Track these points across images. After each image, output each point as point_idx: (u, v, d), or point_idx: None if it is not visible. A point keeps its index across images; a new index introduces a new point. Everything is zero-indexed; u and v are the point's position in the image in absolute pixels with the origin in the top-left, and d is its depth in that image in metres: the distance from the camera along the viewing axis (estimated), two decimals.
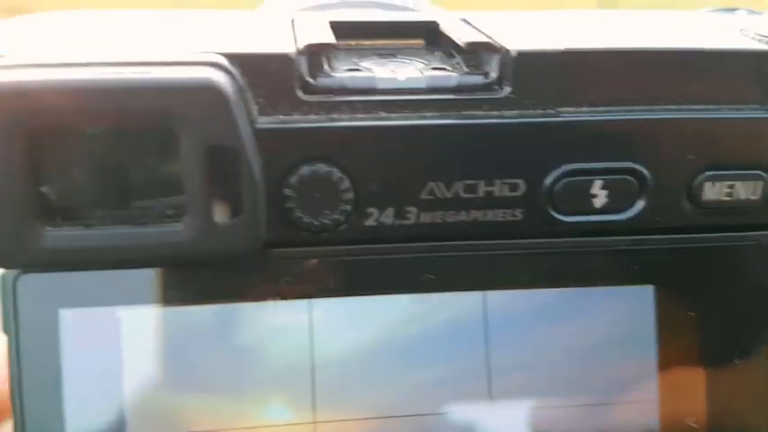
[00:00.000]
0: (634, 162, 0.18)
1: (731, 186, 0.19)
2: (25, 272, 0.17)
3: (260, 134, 0.17)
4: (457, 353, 0.19)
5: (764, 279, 0.20)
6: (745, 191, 0.19)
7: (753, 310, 0.20)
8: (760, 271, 0.20)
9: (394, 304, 0.19)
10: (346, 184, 0.17)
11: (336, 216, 0.18)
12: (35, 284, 0.17)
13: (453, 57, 0.19)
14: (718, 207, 0.19)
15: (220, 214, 0.16)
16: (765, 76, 0.19)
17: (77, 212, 0.16)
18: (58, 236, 0.16)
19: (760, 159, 0.19)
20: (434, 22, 0.19)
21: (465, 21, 0.19)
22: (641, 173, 0.19)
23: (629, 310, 0.19)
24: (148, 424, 0.17)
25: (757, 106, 0.19)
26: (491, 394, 0.19)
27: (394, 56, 0.19)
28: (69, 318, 0.17)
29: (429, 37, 0.19)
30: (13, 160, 0.15)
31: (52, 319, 0.17)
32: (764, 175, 0.19)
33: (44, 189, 0.16)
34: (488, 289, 0.19)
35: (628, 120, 0.18)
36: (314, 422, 0.18)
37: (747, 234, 0.19)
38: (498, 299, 0.19)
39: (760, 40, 0.19)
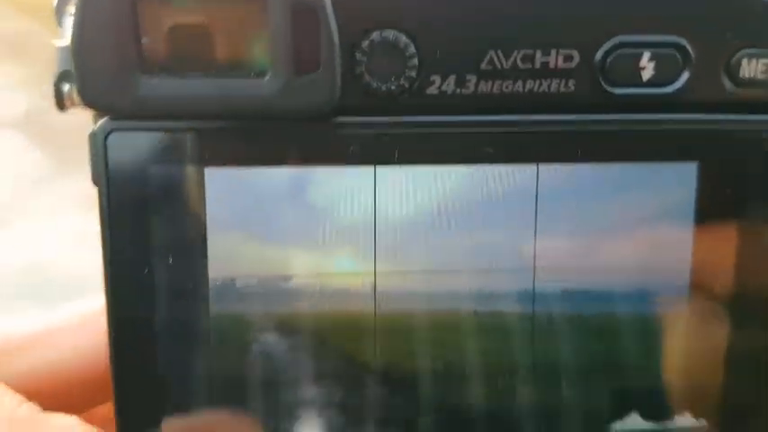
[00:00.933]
0: (679, 36, 0.19)
1: (766, 65, 0.20)
2: (117, 129, 0.19)
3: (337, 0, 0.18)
4: (508, 221, 0.20)
5: None
6: None
7: None
8: None
9: (451, 174, 0.20)
10: (412, 50, 0.19)
11: (402, 82, 0.19)
12: (125, 140, 0.19)
13: None
14: (753, 84, 0.20)
15: (301, 71, 0.18)
16: None
17: (173, 65, 0.18)
18: (154, 84, 0.18)
19: None
20: None
21: None
22: (685, 48, 0.19)
23: (673, 187, 0.21)
24: (230, 269, 0.20)
25: None
26: (536, 257, 0.20)
27: None
28: (157, 172, 0.19)
29: None
30: (117, 10, 0.17)
31: (141, 173, 0.19)
32: None
33: (144, 41, 0.17)
34: (541, 162, 0.20)
35: None
36: (374, 272, 0.20)
37: None
38: (550, 172, 0.20)
39: None
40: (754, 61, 0.20)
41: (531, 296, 0.21)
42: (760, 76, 0.20)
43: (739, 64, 0.20)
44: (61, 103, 0.20)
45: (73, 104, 0.20)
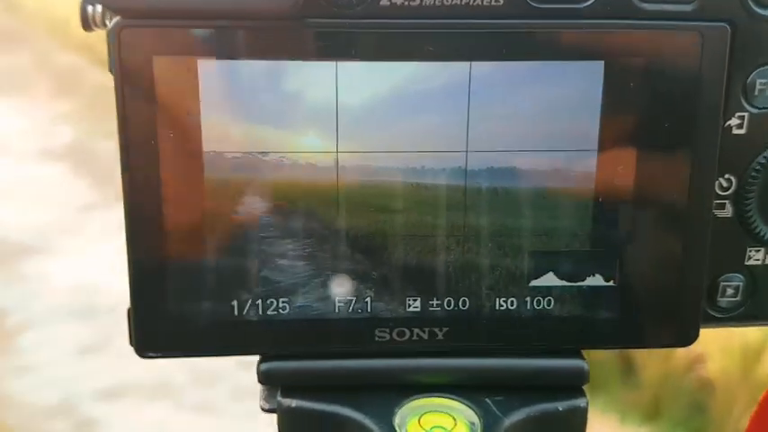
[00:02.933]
0: None
1: None
2: (128, 26, 0.23)
3: None
4: (444, 109, 0.25)
5: (698, 66, 0.25)
6: None
7: (682, 94, 0.25)
8: (691, 59, 0.25)
9: (401, 69, 0.25)
10: None
11: None
12: (135, 35, 0.24)
13: None
14: (660, 0, 0.24)
15: None
16: None
17: None
18: None
19: None
20: None
21: None
22: None
23: (582, 83, 0.25)
24: (219, 144, 0.25)
25: None
26: (468, 140, 0.25)
27: None
28: (161, 63, 0.24)
29: None
30: None
31: (146, 63, 0.24)
32: None
33: None
34: (474, 60, 0.25)
35: None
36: (336, 152, 0.25)
37: (686, 24, 0.25)
38: (481, 69, 0.25)
39: None
40: None
41: (464, 173, 0.25)
42: None
43: None
44: (86, 22, 0.25)
45: (96, 25, 0.25)
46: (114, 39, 0.24)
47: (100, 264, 2.66)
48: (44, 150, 3.53)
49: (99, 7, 0.24)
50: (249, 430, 2.04)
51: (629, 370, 2.19)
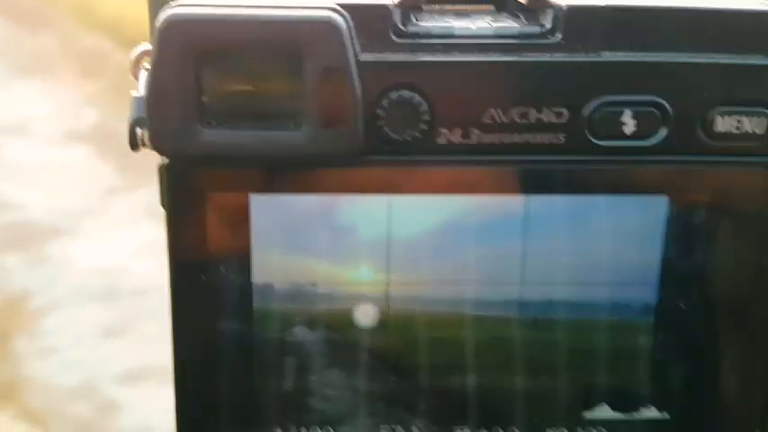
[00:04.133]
0: (658, 96, 0.23)
1: (739, 120, 0.23)
2: (180, 167, 0.23)
3: (361, 65, 0.22)
4: (499, 242, 0.24)
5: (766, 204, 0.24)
6: (751, 125, 0.23)
7: (754, 232, 0.24)
8: (760, 196, 0.24)
9: (455, 203, 0.24)
10: (425, 107, 0.23)
11: (416, 134, 0.23)
12: (186, 176, 0.23)
13: (518, 16, 0.23)
14: (727, 137, 0.23)
15: (329, 124, 0.22)
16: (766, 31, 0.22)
17: (227, 118, 0.22)
18: (212, 134, 0.22)
19: (763, 98, 0.23)
20: None
21: None
22: (664, 106, 0.23)
23: (645, 217, 0.24)
24: (269, 275, 0.24)
25: (762, 56, 0.22)
26: (524, 274, 0.24)
27: (468, 16, 0.23)
28: (212, 199, 0.23)
29: (497, 3, 0.24)
30: (185, 75, 0.21)
31: (199, 200, 0.23)
32: (767, 111, 0.23)
33: (204, 99, 0.22)
34: (531, 194, 0.24)
35: (654, 62, 0.22)
36: (387, 283, 0.24)
37: (754, 160, 0.24)
38: (538, 201, 0.24)
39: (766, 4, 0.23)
40: (728, 117, 0.23)
41: (518, 305, 0.25)
42: (734, 131, 0.23)
43: (714, 119, 0.23)
44: (134, 144, 0.24)
45: (144, 146, 0.24)
46: (165, 178, 0.23)
47: (123, 247, 2.68)
48: (69, 132, 3.55)
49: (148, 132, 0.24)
50: None
51: None
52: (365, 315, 0.25)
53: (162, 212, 0.24)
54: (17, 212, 2.90)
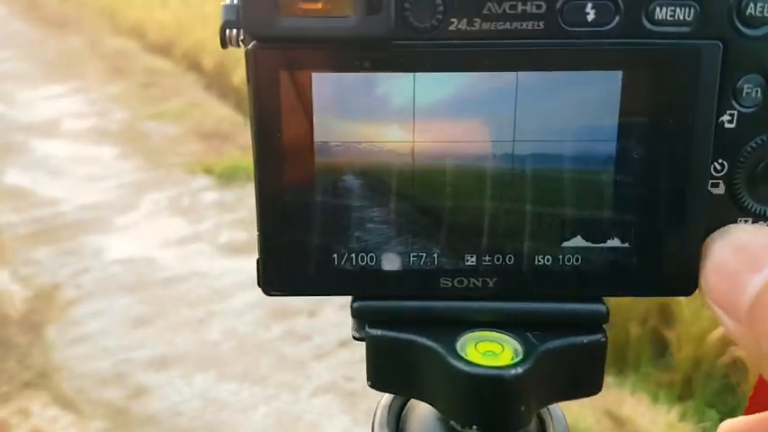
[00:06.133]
0: None
1: (673, 10, 0.31)
2: (261, 47, 0.31)
3: None
4: (497, 109, 0.32)
5: (696, 75, 0.32)
6: (683, 13, 0.31)
7: (685, 93, 0.32)
8: (691, 70, 0.32)
9: (463, 78, 0.32)
10: (439, 1, 0.31)
11: (433, 22, 0.31)
12: (266, 55, 0.32)
13: None
14: (665, 23, 0.31)
15: (371, 12, 0.30)
16: None
17: (298, 11, 0.30)
18: (286, 21, 0.30)
19: None
20: None
21: None
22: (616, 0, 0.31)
23: (605, 87, 0.32)
24: (326, 135, 0.32)
25: None
26: (515, 133, 0.33)
27: None
28: (285, 76, 0.32)
29: None
30: None
31: (275, 76, 0.32)
32: (695, 4, 0.31)
33: None
34: (519, 70, 0.32)
35: None
36: (413, 141, 0.33)
37: (685, 41, 0.32)
38: (525, 77, 0.32)
39: None
40: (665, 8, 0.31)
41: (512, 158, 0.33)
42: (669, 18, 0.31)
43: (654, 9, 0.31)
44: (224, 43, 0.33)
45: (231, 44, 0.33)
46: (251, 56, 0.32)
47: (150, 240, 2.78)
48: (95, 130, 3.66)
49: (235, 31, 0.32)
50: (292, 397, 2.14)
51: (661, 352, 2.24)
52: (396, 166, 0.33)
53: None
54: (47, 207, 3.00)
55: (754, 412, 0.37)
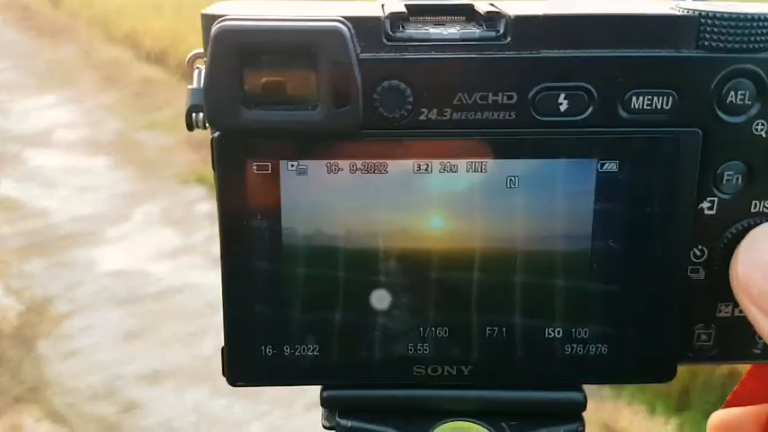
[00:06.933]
0: (585, 83, 0.30)
1: (650, 99, 0.30)
2: (226, 137, 0.31)
3: (361, 61, 0.29)
4: (464, 195, 0.32)
5: (675, 163, 0.31)
6: (660, 102, 0.30)
7: (662, 184, 0.31)
8: (670, 157, 0.31)
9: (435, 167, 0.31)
10: (409, 93, 0.30)
11: (403, 113, 0.30)
12: (232, 144, 0.31)
13: (480, 24, 0.31)
14: (641, 112, 0.30)
15: (338, 106, 0.29)
16: (670, 29, 0.30)
17: (263, 102, 0.29)
18: (251, 113, 0.29)
19: (668, 81, 0.30)
20: (470, 4, 0.31)
21: (491, 4, 0.31)
22: (590, 89, 0.30)
23: (579, 176, 0.31)
24: (295, 224, 0.31)
25: (667, 49, 0.30)
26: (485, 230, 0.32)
27: (443, 24, 0.31)
28: (251, 164, 0.31)
29: (467, 14, 0.31)
30: (231, 69, 0.29)
31: (240, 163, 0.31)
32: (673, 92, 0.30)
33: (246, 88, 0.29)
34: (491, 158, 0.31)
35: (582, 56, 0.30)
36: (378, 235, 0.32)
37: (662, 130, 0.31)
38: (499, 164, 0.31)
39: (672, 9, 0.30)
40: (642, 97, 0.30)
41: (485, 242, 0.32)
42: (646, 107, 0.30)
43: (630, 99, 0.30)
44: (190, 126, 0.32)
45: (198, 126, 0.32)
46: (216, 146, 0.31)
47: (143, 252, 2.77)
48: (88, 141, 3.65)
49: (201, 114, 0.31)
50: (285, 412, 2.12)
51: None
52: (365, 255, 0.32)
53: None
54: (39, 219, 2.98)
55: (734, 405, 0.37)
